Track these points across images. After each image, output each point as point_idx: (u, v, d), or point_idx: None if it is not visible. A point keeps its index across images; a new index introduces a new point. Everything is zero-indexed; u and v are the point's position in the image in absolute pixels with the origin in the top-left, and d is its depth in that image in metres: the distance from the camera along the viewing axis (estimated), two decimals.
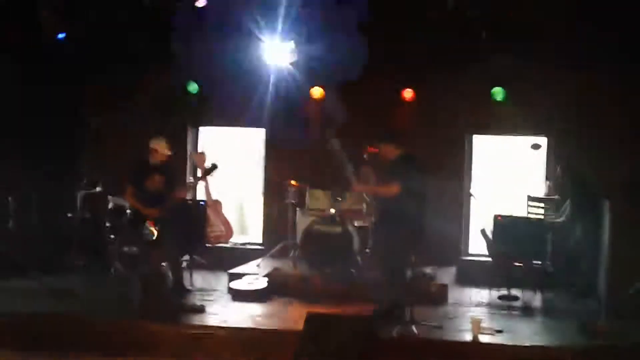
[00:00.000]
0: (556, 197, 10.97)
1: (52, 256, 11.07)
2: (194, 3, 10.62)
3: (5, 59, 10.92)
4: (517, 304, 10.07)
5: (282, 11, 10.75)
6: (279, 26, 10.89)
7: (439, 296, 10.20)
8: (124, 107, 12.15)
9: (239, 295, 10.09)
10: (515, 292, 10.26)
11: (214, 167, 9.80)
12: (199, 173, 10.36)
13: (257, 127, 12.76)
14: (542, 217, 10.84)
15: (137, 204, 9.49)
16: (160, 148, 9.64)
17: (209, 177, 10.27)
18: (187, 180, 11.95)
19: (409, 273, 9.76)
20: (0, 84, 10.89)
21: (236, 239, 12.70)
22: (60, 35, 10.82)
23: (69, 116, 12.10)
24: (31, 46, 10.95)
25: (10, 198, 10.74)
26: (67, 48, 11.09)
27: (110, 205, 11.23)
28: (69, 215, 11.36)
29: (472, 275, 11.39)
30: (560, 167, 11.03)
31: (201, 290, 10.43)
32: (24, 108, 11.44)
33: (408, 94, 11.78)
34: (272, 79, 11.63)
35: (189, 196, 11.83)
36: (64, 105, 11.96)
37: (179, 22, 10.92)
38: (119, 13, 10.75)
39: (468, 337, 8.34)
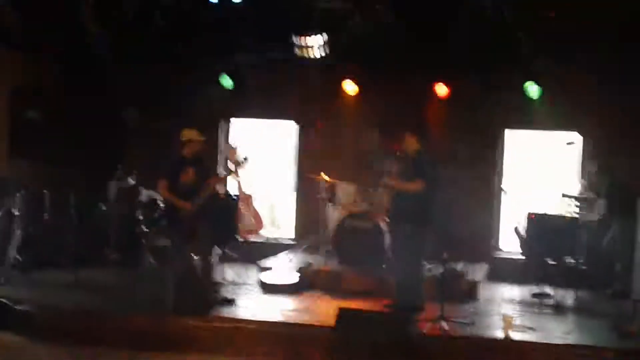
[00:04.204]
0: (591, 195, 10.86)
1: (86, 249, 11.14)
2: None
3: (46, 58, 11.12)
4: (550, 302, 9.98)
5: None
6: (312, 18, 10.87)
7: (471, 293, 10.15)
8: (156, 100, 12.23)
9: (269, 289, 10.13)
10: (547, 290, 10.18)
11: (245, 159, 9.78)
12: (231, 166, 10.32)
13: (289, 119, 12.75)
14: (576, 215, 10.74)
15: (171, 198, 9.48)
16: (193, 137, 9.55)
17: (240, 171, 10.25)
18: (219, 173, 11.93)
19: (431, 271, 9.79)
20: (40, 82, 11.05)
21: (268, 233, 12.72)
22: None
23: (103, 109, 12.17)
24: (71, 44, 11.07)
25: (46, 191, 10.81)
26: (104, 44, 11.18)
27: (143, 198, 11.26)
28: (103, 208, 11.42)
29: (504, 272, 11.34)
30: (596, 165, 10.91)
31: (232, 283, 10.48)
32: (60, 103, 11.56)
33: (441, 88, 11.68)
34: (304, 72, 11.63)
35: (220, 190, 11.84)
36: (98, 98, 12.03)
37: (212, 16, 10.97)
38: (153, 8, 10.81)
39: (499, 334, 8.31)
